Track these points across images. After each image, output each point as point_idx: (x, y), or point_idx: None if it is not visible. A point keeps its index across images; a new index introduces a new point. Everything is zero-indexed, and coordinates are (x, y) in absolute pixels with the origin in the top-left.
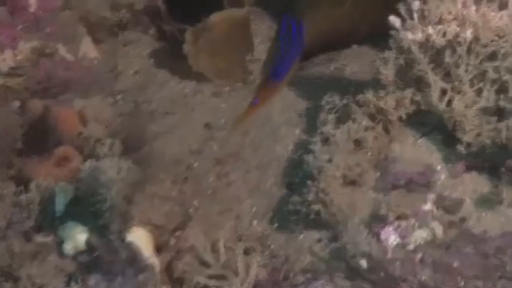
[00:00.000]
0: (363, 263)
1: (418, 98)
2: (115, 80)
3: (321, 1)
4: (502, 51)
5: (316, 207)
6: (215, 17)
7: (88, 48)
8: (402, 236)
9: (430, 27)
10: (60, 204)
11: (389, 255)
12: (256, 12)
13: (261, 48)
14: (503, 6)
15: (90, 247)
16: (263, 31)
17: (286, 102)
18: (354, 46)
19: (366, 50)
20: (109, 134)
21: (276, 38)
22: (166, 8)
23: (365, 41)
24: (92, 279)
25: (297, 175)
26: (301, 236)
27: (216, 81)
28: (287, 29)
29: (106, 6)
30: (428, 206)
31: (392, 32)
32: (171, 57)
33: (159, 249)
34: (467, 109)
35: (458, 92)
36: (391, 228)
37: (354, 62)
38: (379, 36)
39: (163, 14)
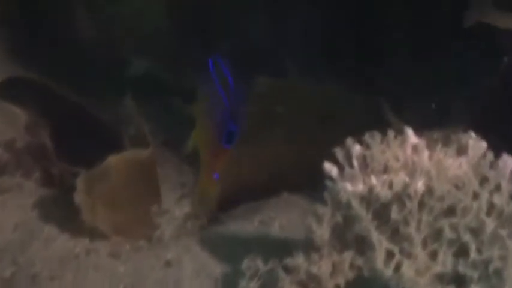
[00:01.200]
0: None
1: (359, 262)
2: None
3: (245, 140)
4: (461, 205)
5: None
6: (114, 160)
7: None
8: None
9: (373, 176)
10: None
11: None
12: (164, 153)
13: (170, 198)
14: (462, 151)
15: None
16: (172, 176)
17: (198, 265)
18: (284, 194)
19: (298, 199)
20: None
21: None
22: (54, 146)
23: (297, 188)
24: None
25: None
26: None
27: (114, 239)
28: (219, 74)
29: None
30: None
31: (327, 183)
32: (60, 208)
33: None
34: (419, 276)
35: (409, 255)
36: None
37: (283, 214)
38: (314, 182)
39: (50, 154)
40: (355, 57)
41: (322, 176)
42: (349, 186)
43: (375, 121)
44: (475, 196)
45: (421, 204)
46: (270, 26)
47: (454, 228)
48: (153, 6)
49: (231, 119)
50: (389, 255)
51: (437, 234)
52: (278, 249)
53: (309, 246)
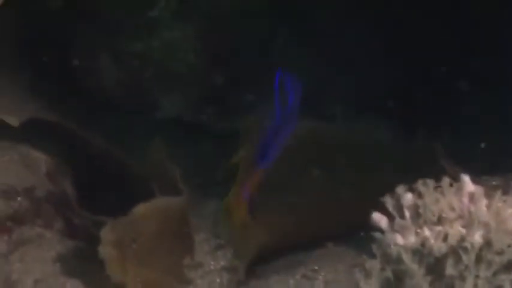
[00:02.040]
0: None
1: None
2: None
3: (285, 187)
4: None
5: None
6: (142, 208)
7: None
8: None
9: (426, 228)
10: None
11: None
12: (197, 201)
13: (203, 249)
14: None
15: None
16: (206, 225)
17: None
18: (329, 245)
19: (344, 250)
20: None
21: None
22: (78, 194)
23: (343, 238)
24: None
25: None
26: None
27: None
28: (282, 89)
29: None
30: None
31: (376, 235)
32: (83, 262)
33: None
34: None
35: None
36: None
37: (328, 267)
38: (362, 233)
39: (73, 203)
40: (406, 101)
41: (371, 226)
42: (399, 239)
43: (429, 167)
44: None
45: (479, 259)
46: (318, 65)
47: None
48: (183, 43)
49: (273, 139)
50: None
51: None
52: None
53: None
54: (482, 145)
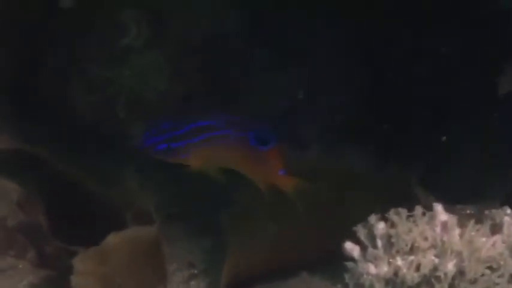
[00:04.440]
0: None
1: None
2: None
3: (259, 213)
4: None
5: None
6: (114, 238)
7: None
8: None
9: (399, 257)
10: None
11: None
12: (171, 230)
13: (176, 279)
14: (496, 229)
15: None
16: (180, 255)
17: None
18: (303, 273)
19: (318, 280)
20: None
21: None
22: (50, 223)
23: (317, 267)
24: None
25: None
26: None
27: None
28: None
29: None
30: None
31: (348, 264)
32: None
33: None
34: None
35: None
36: None
37: None
38: (335, 260)
39: (45, 232)
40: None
41: (344, 255)
42: (372, 268)
43: (402, 197)
44: None
45: None
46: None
47: None
48: (155, 70)
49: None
50: None
51: None
52: None
53: None
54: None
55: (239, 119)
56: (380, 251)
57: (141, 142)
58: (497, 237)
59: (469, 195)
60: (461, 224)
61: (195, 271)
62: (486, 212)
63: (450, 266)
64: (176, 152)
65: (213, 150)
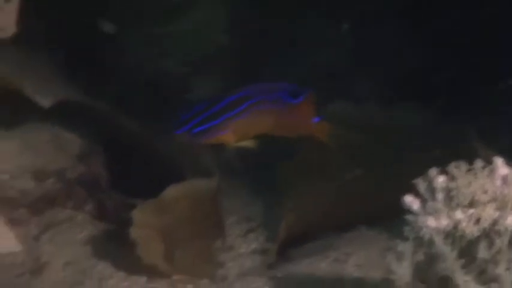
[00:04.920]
0: None
1: None
2: (37, 277)
3: (314, 173)
4: None
5: None
6: (173, 191)
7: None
8: None
9: (459, 211)
10: None
11: None
12: (229, 183)
13: (235, 232)
14: None
15: None
16: (238, 208)
17: None
18: (361, 228)
19: (376, 234)
20: None
21: None
22: (109, 176)
23: (375, 221)
24: None
25: None
26: None
27: (174, 278)
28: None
29: (27, 174)
30: None
31: (408, 217)
32: (114, 243)
33: None
34: None
35: None
36: None
37: (360, 251)
38: (394, 215)
39: (104, 185)
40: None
41: (403, 209)
42: (432, 222)
43: (462, 151)
44: None
45: None
46: (349, 50)
47: None
48: (212, 23)
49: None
50: None
51: None
52: None
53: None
54: None
55: (270, 85)
56: (440, 204)
57: (177, 128)
58: None
59: None
60: None
61: (254, 225)
62: None
63: (510, 220)
64: (214, 130)
65: (250, 119)
